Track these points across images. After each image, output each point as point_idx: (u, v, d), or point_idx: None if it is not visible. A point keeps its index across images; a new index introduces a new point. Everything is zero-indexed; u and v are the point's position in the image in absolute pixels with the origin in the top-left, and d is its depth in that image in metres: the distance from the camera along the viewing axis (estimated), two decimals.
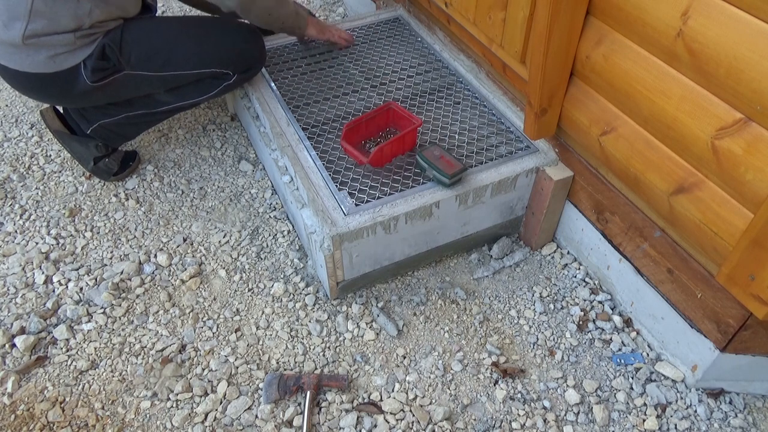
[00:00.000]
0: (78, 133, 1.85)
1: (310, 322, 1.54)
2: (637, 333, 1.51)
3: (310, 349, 1.49)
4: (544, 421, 1.35)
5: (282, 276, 1.66)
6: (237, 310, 1.58)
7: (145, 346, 1.49)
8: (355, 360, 1.47)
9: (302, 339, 1.51)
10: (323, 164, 1.55)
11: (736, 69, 0.98)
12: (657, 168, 1.22)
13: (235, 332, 1.53)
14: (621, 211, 1.44)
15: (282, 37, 2.06)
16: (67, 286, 1.62)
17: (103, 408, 1.38)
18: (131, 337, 1.51)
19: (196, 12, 2.59)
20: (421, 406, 1.38)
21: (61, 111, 1.88)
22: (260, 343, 1.50)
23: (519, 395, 1.40)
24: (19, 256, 1.70)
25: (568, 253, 1.70)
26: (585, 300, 1.59)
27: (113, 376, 1.44)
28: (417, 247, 1.58)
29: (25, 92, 1.67)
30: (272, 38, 2.05)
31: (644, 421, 1.35)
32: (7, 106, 2.25)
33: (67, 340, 1.50)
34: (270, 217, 1.83)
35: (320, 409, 1.36)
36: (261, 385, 1.41)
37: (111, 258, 1.70)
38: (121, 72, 1.62)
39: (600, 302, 1.58)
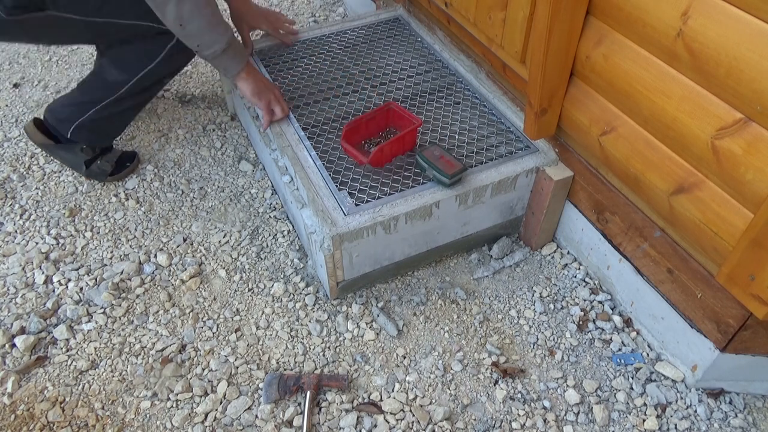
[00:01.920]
0: (62, 140, 1.82)
1: (310, 322, 1.54)
2: (637, 333, 1.51)
3: (310, 349, 1.49)
4: (544, 421, 1.35)
5: (282, 276, 1.66)
6: (237, 310, 1.58)
7: (145, 346, 1.49)
8: (355, 360, 1.47)
9: (302, 339, 1.51)
10: (323, 164, 1.55)
11: (736, 69, 0.98)
12: (657, 168, 1.22)
13: (235, 332, 1.53)
14: (621, 211, 1.44)
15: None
16: (67, 286, 1.62)
17: (103, 408, 1.38)
18: (131, 337, 1.51)
19: None
20: (421, 406, 1.38)
21: (42, 120, 1.85)
22: (260, 343, 1.50)
23: (519, 395, 1.40)
24: (19, 256, 1.70)
25: (568, 253, 1.70)
26: (585, 300, 1.59)
27: (113, 376, 1.44)
28: (417, 247, 1.58)
29: None
30: (271, 38, 2.05)
31: (644, 421, 1.35)
32: (7, 106, 2.25)
33: (67, 340, 1.50)
34: (270, 217, 1.83)
35: (320, 409, 1.36)
36: (261, 385, 1.41)
37: (111, 258, 1.70)
38: (45, 11, 1.46)
39: (600, 302, 1.58)
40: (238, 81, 1.63)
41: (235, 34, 1.63)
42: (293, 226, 1.79)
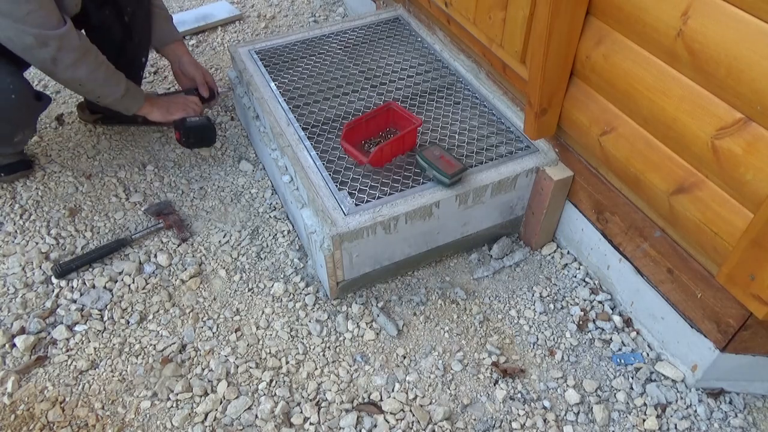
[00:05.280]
0: None
1: (310, 322, 1.54)
2: (637, 333, 1.51)
3: (310, 348, 1.49)
4: (544, 421, 1.35)
5: (282, 276, 1.66)
6: (237, 310, 1.58)
7: (145, 347, 1.49)
8: (355, 360, 1.47)
9: (302, 339, 1.51)
10: (323, 164, 1.55)
11: (736, 69, 0.98)
12: (657, 168, 1.22)
13: (235, 332, 1.53)
14: (621, 211, 1.44)
15: (280, 37, 2.06)
16: (66, 286, 1.62)
17: (103, 408, 1.38)
18: (131, 337, 1.51)
19: None
20: (421, 406, 1.38)
21: None
22: (260, 343, 1.50)
23: (519, 395, 1.40)
24: (19, 256, 1.70)
25: (568, 253, 1.70)
26: (585, 300, 1.59)
27: (113, 376, 1.44)
28: (417, 247, 1.58)
29: None
30: (271, 38, 2.05)
31: (644, 421, 1.35)
32: None
33: (67, 340, 1.50)
34: (270, 217, 1.83)
35: (320, 409, 1.36)
36: (261, 386, 1.41)
37: (111, 258, 1.70)
38: None
39: (600, 302, 1.58)
40: (144, 114, 1.78)
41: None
42: (293, 226, 1.79)
